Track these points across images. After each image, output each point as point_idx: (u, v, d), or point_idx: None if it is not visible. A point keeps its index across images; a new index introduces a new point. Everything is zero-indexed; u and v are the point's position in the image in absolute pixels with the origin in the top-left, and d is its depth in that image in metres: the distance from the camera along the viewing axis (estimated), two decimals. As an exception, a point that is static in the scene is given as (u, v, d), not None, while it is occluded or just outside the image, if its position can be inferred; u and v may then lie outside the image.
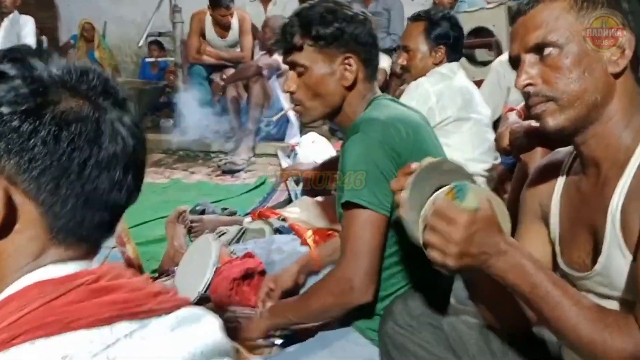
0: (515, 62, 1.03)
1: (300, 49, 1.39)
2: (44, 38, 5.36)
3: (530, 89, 0.99)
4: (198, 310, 0.69)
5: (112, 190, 0.63)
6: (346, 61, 1.40)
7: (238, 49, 4.95)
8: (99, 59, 6.32)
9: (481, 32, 4.03)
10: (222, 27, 4.85)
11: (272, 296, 1.65)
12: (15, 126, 0.58)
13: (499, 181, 2.62)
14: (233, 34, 4.90)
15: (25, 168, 0.59)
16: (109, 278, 0.63)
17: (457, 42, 2.51)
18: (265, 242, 2.12)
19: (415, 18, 2.53)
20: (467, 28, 3.33)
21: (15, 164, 0.59)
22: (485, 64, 3.88)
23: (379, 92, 1.49)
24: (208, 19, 4.85)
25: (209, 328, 0.65)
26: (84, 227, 0.63)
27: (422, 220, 0.97)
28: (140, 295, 0.63)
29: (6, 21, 5.00)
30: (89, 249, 0.66)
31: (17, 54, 0.62)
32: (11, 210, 0.60)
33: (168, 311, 0.64)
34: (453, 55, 2.51)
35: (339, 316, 1.44)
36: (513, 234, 1.09)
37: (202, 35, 4.89)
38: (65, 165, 0.60)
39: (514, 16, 1.04)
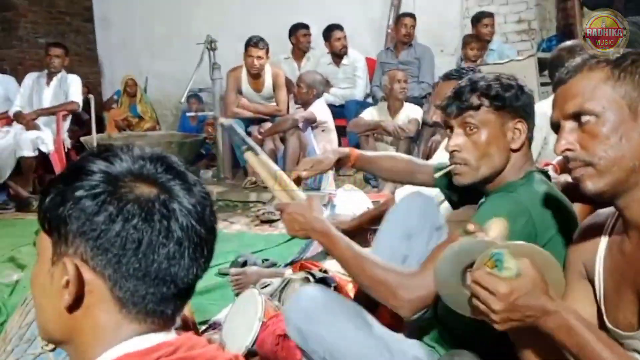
0: (555, 128, 1.09)
1: (477, 108, 1.42)
2: (91, 97, 5.59)
3: (568, 154, 1.04)
4: None
5: (169, 265, 0.69)
6: (516, 126, 1.43)
7: (273, 103, 5.12)
8: (141, 113, 6.60)
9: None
10: (257, 81, 5.03)
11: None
12: (85, 206, 0.68)
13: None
14: (267, 88, 5.07)
15: (93, 246, 0.68)
16: (186, 349, 0.69)
17: None
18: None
19: (447, 77, 2.56)
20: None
21: (84, 242, 0.68)
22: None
23: (534, 164, 1.51)
24: (244, 75, 5.04)
25: None
26: (147, 300, 0.69)
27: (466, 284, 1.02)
28: None
29: (55, 80, 5.27)
30: (164, 322, 0.72)
31: (101, 154, 0.73)
32: (82, 286, 0.68)
33: None
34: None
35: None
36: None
37: (239, 91, 5.08)
38: (122, 242, 0.67)
39: (555, 84, 1.10)
